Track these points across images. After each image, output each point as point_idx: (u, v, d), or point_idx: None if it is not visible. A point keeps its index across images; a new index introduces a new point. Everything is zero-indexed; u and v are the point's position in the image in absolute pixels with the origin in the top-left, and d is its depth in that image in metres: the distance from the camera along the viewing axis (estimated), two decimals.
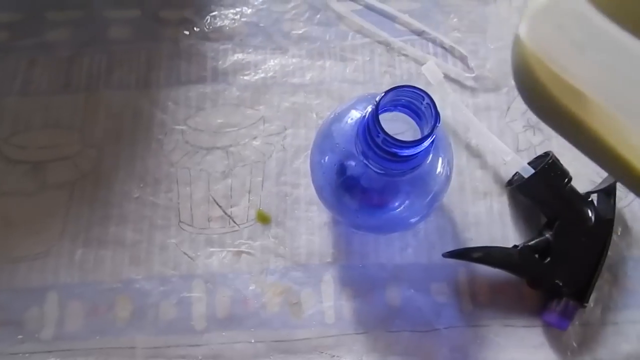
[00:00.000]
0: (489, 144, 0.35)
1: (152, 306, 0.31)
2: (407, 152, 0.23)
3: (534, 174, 0.31)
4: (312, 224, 0.34)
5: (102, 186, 0.34)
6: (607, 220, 0.32)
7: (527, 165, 0.33)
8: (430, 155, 0.26)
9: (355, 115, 0.28)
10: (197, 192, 0.34)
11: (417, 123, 0.25)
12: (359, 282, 0.33)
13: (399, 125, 0.26)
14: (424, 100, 0.23)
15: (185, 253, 0.33)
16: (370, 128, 0.23)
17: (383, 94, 0.23)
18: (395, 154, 0.23)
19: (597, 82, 0.18)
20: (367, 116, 0.23)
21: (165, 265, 0.32)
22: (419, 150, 0.23)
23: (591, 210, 0.32)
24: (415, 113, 0.24)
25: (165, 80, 0.37)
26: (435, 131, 0.22)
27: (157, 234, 0.33)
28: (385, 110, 0.25)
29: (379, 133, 0.22)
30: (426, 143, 0.22)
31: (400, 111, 0.25)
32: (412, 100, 0.23)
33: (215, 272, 0.32)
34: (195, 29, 0.39)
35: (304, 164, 0.35)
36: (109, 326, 0.31)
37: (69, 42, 0.38)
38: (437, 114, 0.22)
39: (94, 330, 0.31)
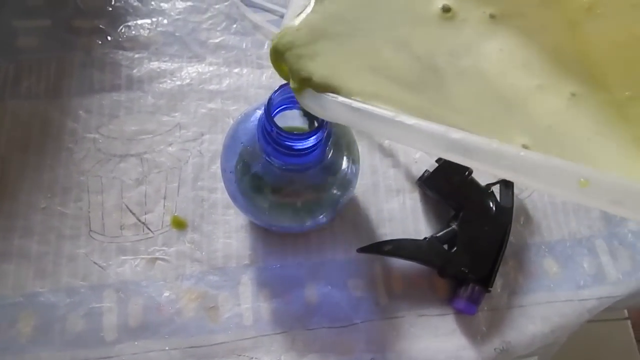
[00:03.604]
0: (399, 144, 0.36)
1: (59, 319, 0.30)
2: (300, 144, 0.24)
3: (437, 167, 0.33)
4: (229, 227, 0.34)
5: (6, 197, 0.33)
6: (507, 209, 0.34)
7: (435, 163, 0.35)
8: (332, 152, 0.27)
9: (259, 115, 0.28)
10: (109, 200, 0.33)
11: (316, 121, 0.26)
12: (277, 282, 0.33)
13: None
14: None
15: (95, 263, 0.32)
16: (265, 124, 0.24)
17: (275, 91, 0.24)
18: (291, 148, 0.24)
19: None
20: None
21: (73, 276, 0.31)
22: (311, 143, 0.24)
23: (492, 201, 0.34)
24: None
25: (76, 88, 0.36)
26: (326, 125, 0.24)
27: (65, 245, 0.32)
28: (284, 109, 0.26)
29: (272, 127, 0.23)
30: (316, 136, 0.23)
31: (297, 109, 0.26)
32: None
33: (128, 281, 0.31)
34: (108, 38, 0.38)
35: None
36: (10, 344, 0.29)
37: None
38: None
39: None
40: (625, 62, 0.19)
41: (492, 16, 0.20)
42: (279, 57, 0.21)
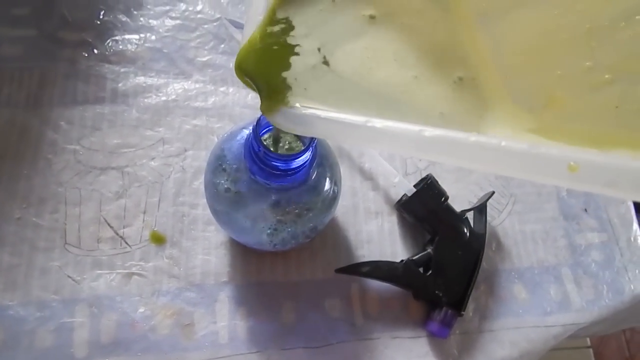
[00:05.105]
0: (379, 167, 0.38)
1: (27, 334, 0.29)
2: (286, 165, 0.24)
3: (414, 193, 0.35)
4: (208, 243, 0.34)
5: None
6: (480, 235, 0.36)
7: (413, 187, 0.36)
8: (315, 173, 0.28)
9: (245, 134, 0.29)
10: (87, 213, 0.33)
11: (302, 142, 0.27)
12: (255, 300, 0.33)
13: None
14: None
15: (69, 276, 0.31)
16: (253, 143, 0.24)
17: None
18: (276, 168, 0.25)
19: None
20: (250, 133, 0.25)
21: (45, 290, 0.30)
22: (297, 164, 0.24)
23: (466, 227, 0.35)
24: None
25: (59, 99, 0.36)
26: (313, 147, 0.24)
27: (38, 257, 0.31)
28: (271, 129, 0.27)
29: (260, 147, 0.24)
30: (303, 157, 0.24)
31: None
32: None
33: (102, 295, 0.31)
34: (95, 51, 0.38)
35: (203, 185, 0.35)
36: None
37: None
38: None
39: None
40: (521, 61, 0.19)
41: (371, 17, 0.20)
42: (242, 72, 0.21)
